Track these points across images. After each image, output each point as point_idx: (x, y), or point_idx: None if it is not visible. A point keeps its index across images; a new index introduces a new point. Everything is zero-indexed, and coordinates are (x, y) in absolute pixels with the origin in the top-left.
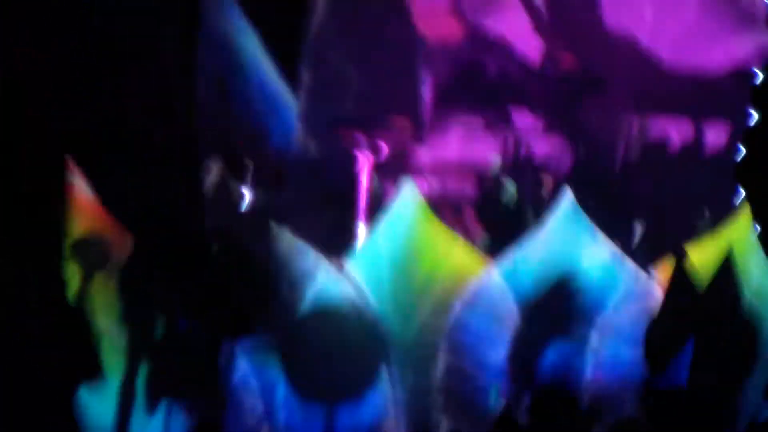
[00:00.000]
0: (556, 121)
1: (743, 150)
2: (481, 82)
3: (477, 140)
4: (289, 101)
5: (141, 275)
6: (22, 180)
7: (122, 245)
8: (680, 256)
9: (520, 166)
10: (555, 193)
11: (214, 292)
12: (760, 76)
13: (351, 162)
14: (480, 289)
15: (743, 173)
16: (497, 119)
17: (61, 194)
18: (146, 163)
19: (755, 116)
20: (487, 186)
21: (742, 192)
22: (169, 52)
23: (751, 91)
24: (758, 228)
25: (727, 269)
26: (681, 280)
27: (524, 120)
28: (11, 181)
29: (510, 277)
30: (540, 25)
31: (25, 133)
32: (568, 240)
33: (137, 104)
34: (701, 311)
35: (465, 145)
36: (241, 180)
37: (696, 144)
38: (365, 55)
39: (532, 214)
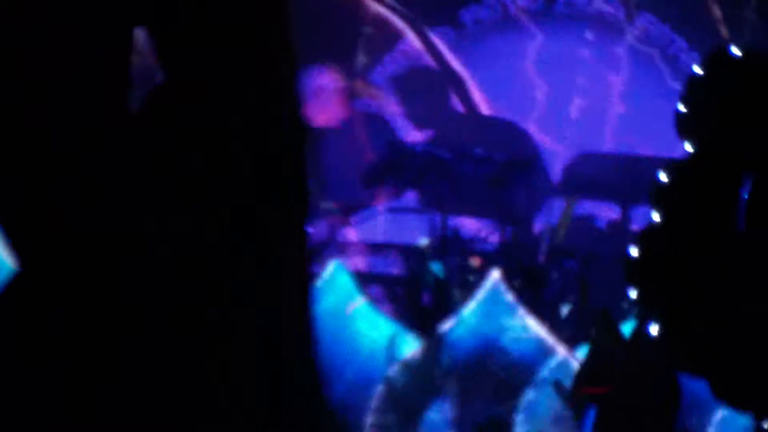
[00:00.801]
0: (483, 202)
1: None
2: (409, 165)
3: (404, 221)
4: None
5: None
6: None
7: None
8: (603, 331)
9: (447, 246)
10: (482, 273)
11: None
12: (663, 178)
13: None
14: (408, 361)
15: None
16: (425, 200)
17: None
18: None
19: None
20: (414, 266)
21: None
22: None
23: None
24: (657, 327)
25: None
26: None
27: (451, 201)
28: None
29: (436, 352)
30: (470, 109)
31: None
32: (493, 319)
33: None
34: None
35: (392, 226)
36: None
37: (623, 227)
38: None
39: (459, 293)
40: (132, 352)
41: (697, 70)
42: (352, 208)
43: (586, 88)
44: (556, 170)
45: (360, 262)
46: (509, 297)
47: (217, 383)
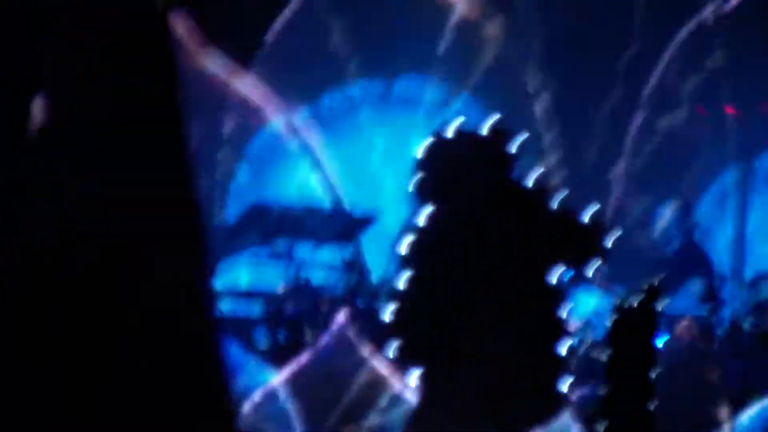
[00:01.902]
0: (334, 251)
1: None
2: (268, 219)
3: (264, 271)
4: None
5: None
6: None
7: None
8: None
9: (299, 292)
10: (331, 314)
11: None
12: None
13: None
14: (264, 396)
15: None
16: (281, 251)
17: None
18: None
19: None
20: (271, 308)
21: None
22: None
23: None
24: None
25: None
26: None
27: (304, 251)
28: None
29: (290, 385)
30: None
31: None
32: (340, 355)
33: None
34: None
35: (253, 274)
36: None
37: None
38: None
39: (311, 332)
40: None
41: (421, 150)
42: (218, 259)
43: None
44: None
45: (225, 306)
46: (352, 334)
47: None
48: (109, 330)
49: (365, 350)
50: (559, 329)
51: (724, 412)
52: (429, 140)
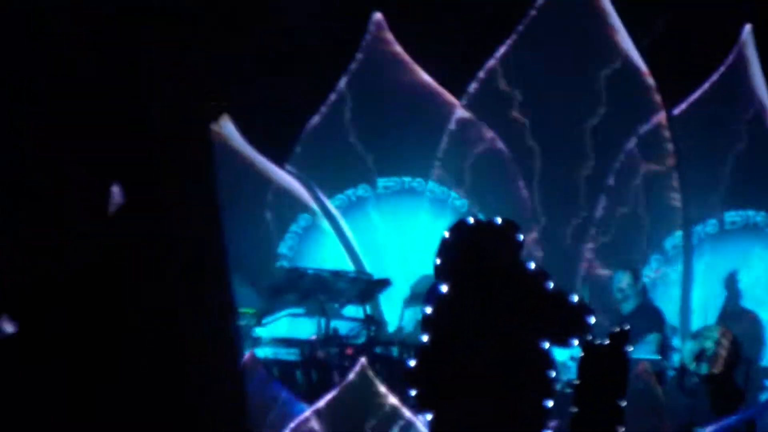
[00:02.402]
0: (357, 308)
1: None
2: (304, 282)
3: (300, 323)
4: None
5: None
6: None
7: None
8: None
9: (329, 340)
10: (354, 361)
11: None
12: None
13: None
14: (298, 424)
15: None
16: (314, 309)
17: None
18: None
19: None
20: (306, 353)
21: None
22: None
23: None
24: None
25: None
26: None
27: (333, 308)
28: None
29: (320, 416)
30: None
31: None
32: (361, 400)
33: None
34: None
35: (291, 326)
36: None
37: None
38: None
39: (338, 373)
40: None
41: (445, 234)
42: (264, 313)
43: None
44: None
45: (268, 352)
46: (372, 376)
47: None
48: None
49: (381, 387)
50: (549, 390)
51: None
52: (453, 225)
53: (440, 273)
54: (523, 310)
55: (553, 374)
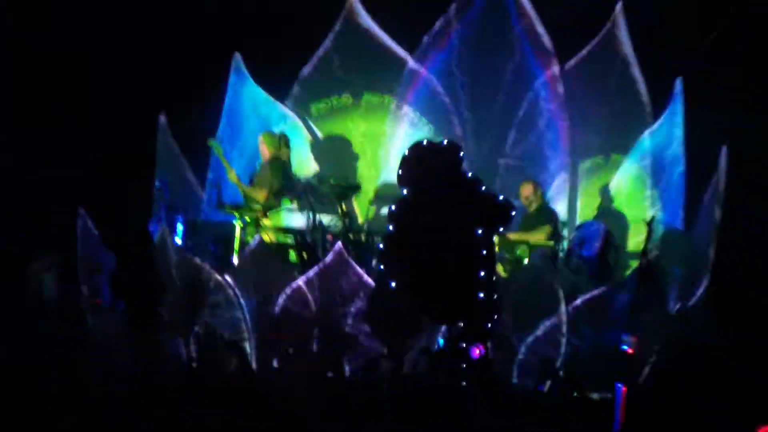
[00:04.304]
0: (335, 205)
1: None
2: (298, 187)
3: (294, 216)
4: None
5: None
6: None
7: None
8: None
9: (315, 229)
10: (333, 244)
11: None
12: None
13: None
14: (292, 289)
15: None
16: (304, 206)
17: None
18: None
19: None
20: (299, 238)
21: None
22: None
23: None
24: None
25: None
26: None
27: (318, 205)
28: None
29: (309, 284)
30: None
31: None
32: (337, 267)
33: None
34: None
35: (288, 218)
36: None
37: None
38: None
39: (322, 252)
40: None
41: (406, 151)
42: (268, 208)
43: None
44: None
45: (271, 236)
46: (350, 261)
47: None
48: None
49: (352, 263)
50: (477, 258)
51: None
52: (413, 145)
53: (402, 180)
54: (464, 206)
55: (484, 252)
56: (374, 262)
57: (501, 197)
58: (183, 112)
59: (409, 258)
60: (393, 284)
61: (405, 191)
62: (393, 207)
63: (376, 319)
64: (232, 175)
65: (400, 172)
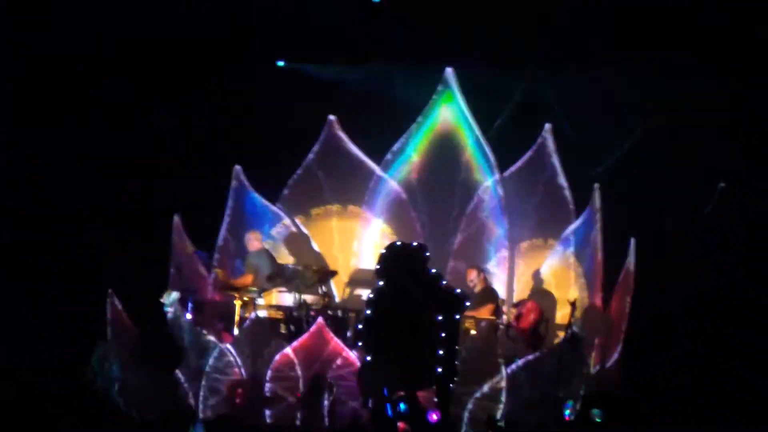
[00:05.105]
0: (318, 287)
1: None
2: (287, 272)
3: (284, 296)
4: None
5: None
6: None
7: None
8: None
9: (300, 306)
10: (315, 319)
11: None
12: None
13: None
14: (280, 358)
15: None
16: (292, 287)
17: None
18: None
19: None
20: (287, 313)
21: None
22: None
23: None
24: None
25: None
26: None
27: (302, 288)
28: None
29: (296, 353)
30: None
31: None
32: (319, 337)
33: None
34: None
35: (278, 298)
36: None
37: None
38: None
39: (306, 325)
40: None
41: (383, 250)
42: (262, 291)
43: None
44: None
45: (265, 313)
46: (329, 332)
47: None
48: None
49: (331, 335)
50: (437, 339)
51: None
52: (388, 245)
53: (379, 274)
54: (427, 297)
55: (443, 335)
56: (349, 334)
57: (458, 290)
58: (193, 212)
59: (382, 336)
60: (368, 358)
61: (381, 282)
62: (371, 295)
63: (360, 383)
64: (222, 276)
65: (378, 267)
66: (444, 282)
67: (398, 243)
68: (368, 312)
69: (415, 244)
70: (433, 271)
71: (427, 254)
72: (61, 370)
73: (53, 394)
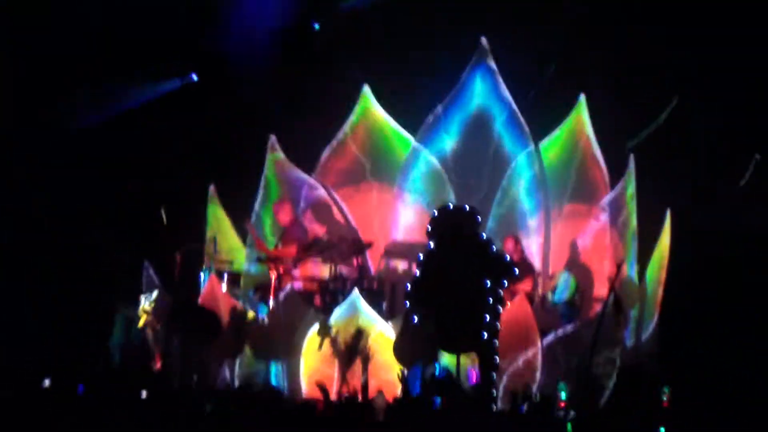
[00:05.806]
0: (353, 259)
1: None
2: (321, 243)
3: (322, 267)
4: None
5: None
6: None
7: None
8: None
9: (337, 278)
10: (351, 289)
11: None
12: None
13: None
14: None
15: None
16: (327, 258)
17: None
18: None
19: None
20: (323, 285)
21: None
22: None
23: None
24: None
25: None
26: None
27: (339, 259)
28: None
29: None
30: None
31: None
32: (353, 311)
33: None
34: None
35: (317, 268)
36: None
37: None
38: None
39: (341, 296)
40: None
41: (434, 211)
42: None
43: None
44: None
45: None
46: (361, 300)
47: None
48: None
49: (365, 304)
50: (485, 304)
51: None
52: (439, 207)
53: (429, 235)
54: (477, 261)
55: (490, 300)
56: (384, 306)
57: (508, 258)
58: (229, 181)
59: (429, 298)
60: (415, 319)
61: (431, 244)
62: (421, 256)
63: (400, 348)
64: (263, 248)
65: (429, 228)
66: (495, 248)
67: (450, 205)
68: (417, 273)
69: (467, 207)
70: (484, 236)
71: (479, 218)
72: (60, 371)
73: (53, 395)
